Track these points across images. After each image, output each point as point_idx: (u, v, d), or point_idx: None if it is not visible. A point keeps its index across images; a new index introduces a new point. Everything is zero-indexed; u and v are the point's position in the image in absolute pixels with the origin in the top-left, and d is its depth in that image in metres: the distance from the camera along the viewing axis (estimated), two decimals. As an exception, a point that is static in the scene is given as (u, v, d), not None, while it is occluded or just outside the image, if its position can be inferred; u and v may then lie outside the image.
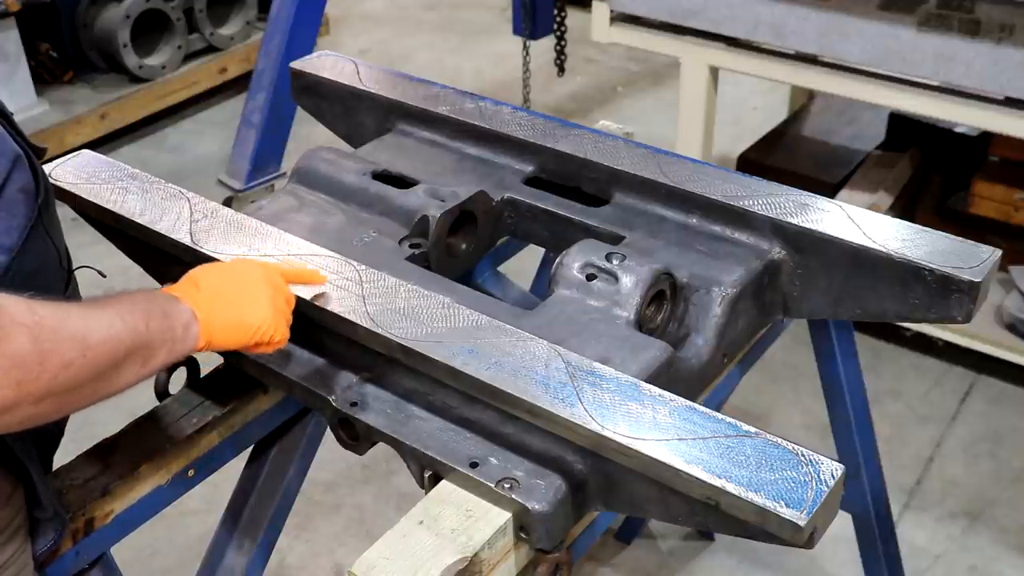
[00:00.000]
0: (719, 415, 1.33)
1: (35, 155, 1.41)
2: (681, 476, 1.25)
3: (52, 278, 1.45)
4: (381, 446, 1.54)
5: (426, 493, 1.44)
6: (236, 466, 1.86)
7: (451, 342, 1.46)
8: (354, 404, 1.53)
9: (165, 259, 1.77)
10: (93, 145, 4.39)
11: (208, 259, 1.64)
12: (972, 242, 1.67)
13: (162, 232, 1.71)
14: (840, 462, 1.26)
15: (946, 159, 3.64)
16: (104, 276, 1.72)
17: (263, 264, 1.51)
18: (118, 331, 1.20)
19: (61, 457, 1.63)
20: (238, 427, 1.72)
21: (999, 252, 1.66)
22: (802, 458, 1.26)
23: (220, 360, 1.74)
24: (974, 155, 3.47)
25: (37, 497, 1.39)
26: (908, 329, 3.47)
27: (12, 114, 1.43)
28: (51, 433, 1.52)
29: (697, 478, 1.24)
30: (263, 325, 1.40)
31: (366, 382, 1.57)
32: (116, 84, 4.98)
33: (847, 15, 2.89)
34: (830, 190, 3.49)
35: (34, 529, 1.41)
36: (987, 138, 3.35)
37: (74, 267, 1.56)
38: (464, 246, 1.88)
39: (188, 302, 1.34)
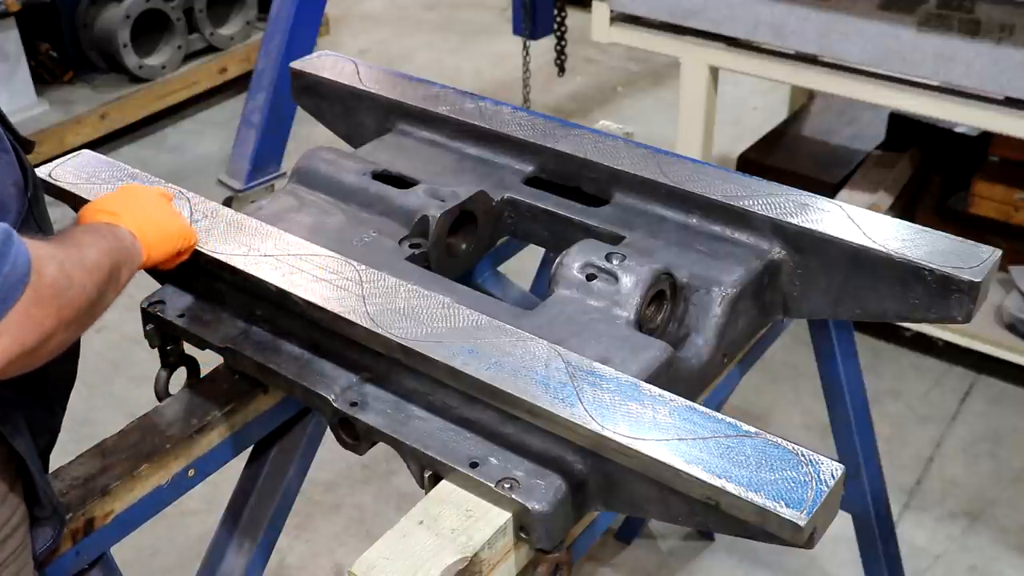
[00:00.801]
0: (719, 415, 1.33)
1: (23, 149, 1.42)
2: (681, 476, 1.25)
3: None
4: (381, 446, 1.54)
5: (426, 493, 1.44)
6: (236, 466, 1.86)
7: (451, 342, 1.46)
8: (354, 404, 1.53)
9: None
10: (93, 145, 4.39)
11: (209, 259, 1.64)
12: (972, 242, 1.67)
13: (162, 232, 1.70)
14: (840, 462, 1.26)
15: (946, 159, 3.64)
16: None
17: (148, 186, 1.70)
18: (98, 256, 1.30)
19: (61, 457, 1.63)
20: (238, 427, 1.72)
21: (999, 252, 1.66)
22: (802, 458, 1.26)
23: (220, 360, 1.74)
24: (974, 155, 3.47)
25: (36, 495, 1.39)
26: (908, 329, 3.47)
27: None
28: (49, 430, 1.52)
29: (697, 478, 1.24)
30: (183, 230, 1.57)
31: (366, 382, 1.57)
32: (116, 84, 4.98)
33: (847, 15, 2.89)
34: (830, 190, 3.49)
35: (33, 527, 1.41)
36: (987, 138, 3.35)
37: None
38: (464, 246, 1.88)
39: (122, 225, 1.45)
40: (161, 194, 1.62)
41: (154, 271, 1.83)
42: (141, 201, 1.54)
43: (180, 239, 1.56)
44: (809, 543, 1.21)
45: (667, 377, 1.50)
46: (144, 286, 1.84)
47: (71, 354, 1.51)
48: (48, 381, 1.41)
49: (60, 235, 1.33)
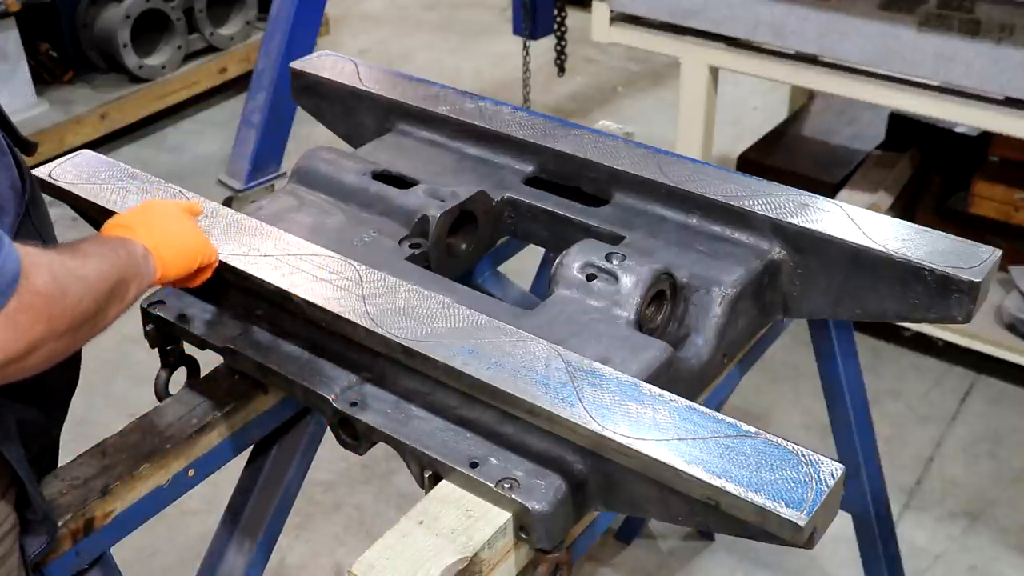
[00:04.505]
0: (719, 415, 1.33)
1: (23, 150, 1.42)
2: (681, 476, 1.25)
3: None
4: (381, 446, 1.54)
5: (426, 493, 1.44)
6: (236, 466, 1.86)
7: (451, 342, 1.46)
8: (354, 404, 1.53)
9: (165, 259, 1.77)
10: (93, 145, 4.39)
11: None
12: (972, 242, 1.67)
13: (162, 232, 1.70)
14: (840, 462, 1.26)
15: (946, 159, 3.64)
16: None
17: (172, 200, 1.65)
18: (104, 268, 1.28)
19: (61, 457, 1.64)
20: (238, 427, 1.72)
21: (999, 252, 1.66)
22: (802, 458, 1.26)
23: (220, 360, 1.74)
24: (974, 155, 3.47)
25: (28, 499, 1.39)
26: (908, 329, 3.47)
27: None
28: (45, 436, 1.52)
29: (697, 478, 1.24)
30: (202, 247, 1.53)
31: (366, 382, 1.57)
32: (116, 84, 4.98)
33: (847, 15, 2.89)
34: (830, 190, 3.49)
35: (26, 531, 1.41)
36: (987, 138, 3.35)
37: None
38: (464, 246, 1.88)
39: (138, 239, 1.42)
40: (185, 209, 1.58)
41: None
42: (160, 216, 1.50)
43: (198, 256, 1.52)
44: (809, 543, 1.21)
45: (667, 377, 1.50)
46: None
47: (72, 361, 1.51)
48: (44, 387, 1.40)
49: (66, 245, 1.31)
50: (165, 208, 1.53)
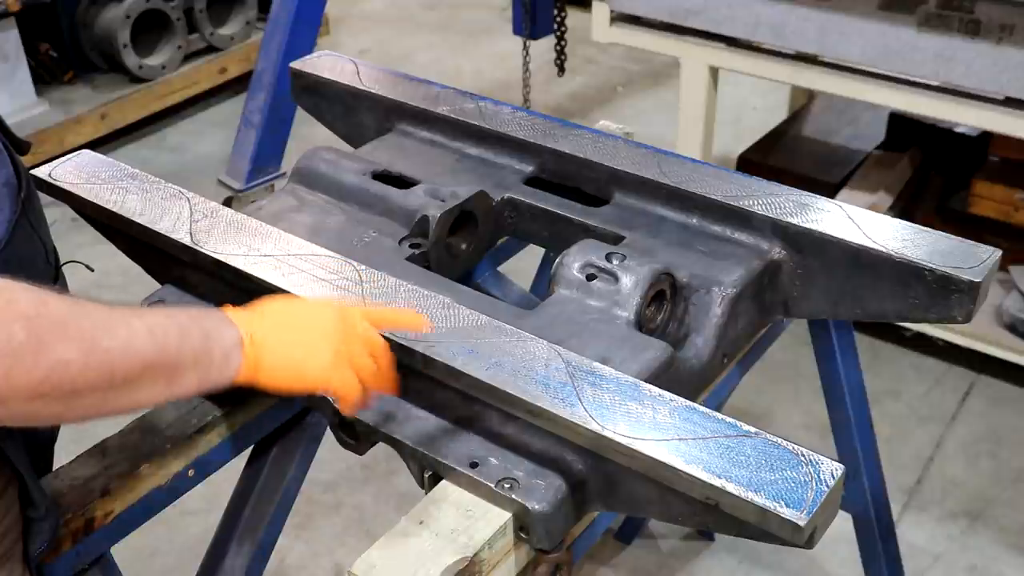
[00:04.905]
0: (719, 415, 1.33)
1: (17, 150, 1.41)
2: (681, 476, 1.25)
3: (39, 273, 1.45)
4: (381, 446, 1.54)
5: (426, 493, 1.44)
6: (236, 466, 1.86)
7: (451, 342, 1.46)
8: (354, 404, 1.53)
9: (165, 259, 1.77)
10: (93, 145, 4.39)
11: (208, 259, 1.64)
12: (972, 242, 1.67)
13: (162, 232, 1.70)
14: (840, 462, 1.26)
15: (946, 159, 3.64)
16: (92, 270, 1.72)
17: (345, 308, 1.36)
18: (141, 342, 1.11)
19: (61, 457, 1.63)
20: (238, 427, 1.72)
21: (999, 252, 1.66)
22: (802, 458, 1.26)
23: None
24: (974, 155, 3.47)
25: (30, 496, 1.39)
26: (908, 329, 3.47)
27: None
28: (44, 433, 1.51)
29: (697, 478, 1.24)
30: (321, 374, 1.29)
31: (366, 382, 1.57)
32: (116, 84, 4.98)
33: (847, 15, 2.89)
34: (830, 190, 3.49)
35: (28, 529, 1.41)
36: (987, 138, 3.35)
37: (62, 262, 1.56)
38: (464, 246, 1.88)
39: (242, 327, 1.23)
40: (362, 319, 1.34)
41: (154, 272, 1.83)
42: (305, 318, 1.30)
43: (312, 381, 1.30)
44: (809, 543, 1.21)
45: (667, 377, 1.50)
46: (145, 285, 1.84)
47: None
48: None
49: (132, 307, 1.17)
50: (317, 312, 1.31)
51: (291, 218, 1.85)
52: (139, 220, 1.73)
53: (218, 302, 1.74)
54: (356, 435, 1.54)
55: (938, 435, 3.25)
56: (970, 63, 2.75)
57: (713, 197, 1.78)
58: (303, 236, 1.71)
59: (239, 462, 1.86)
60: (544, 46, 4.72)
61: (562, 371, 1.40)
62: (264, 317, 1.28)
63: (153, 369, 1.13)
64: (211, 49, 5.25)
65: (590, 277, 1.63)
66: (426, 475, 1.46)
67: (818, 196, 1.78)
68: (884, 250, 1.64)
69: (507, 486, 1.37)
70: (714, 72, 3.28)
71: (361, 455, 1.57)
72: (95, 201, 1.78)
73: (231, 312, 1.27)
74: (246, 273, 1.61)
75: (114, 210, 1.76)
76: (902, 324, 3.33)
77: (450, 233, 1.84)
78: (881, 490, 2.26)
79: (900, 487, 3.03)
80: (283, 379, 1.28)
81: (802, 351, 2.36)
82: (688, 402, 1.35)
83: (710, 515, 1.27)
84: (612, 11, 3.32)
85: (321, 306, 1.36)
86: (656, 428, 1.30)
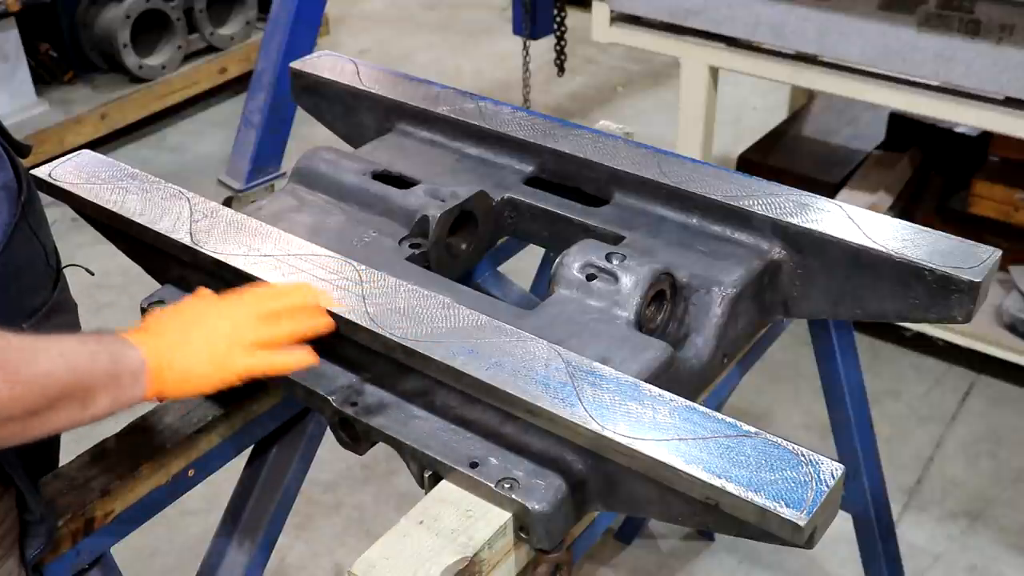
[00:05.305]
0: (719, 415, 1.33)
1: (17, 153, 1.41)
2: (681, 476, 1.25)
3: (39, 276, 1.45)
4: (381, 446, 1.54)
5: (426, 493, 1.44)
6: (236, 466, 1.86)
7: (451, 342, 1.45)
8: (354, 404, 1.53)
9: (165, 259, 1.77)
10: (93, 145, 4.39)
11: (208, 259, 1.64)
12: (972, 242, 1.67)
13: (162, 232, 1.70)
14: (840, 462, 1.26)
15: (946, 159, 3.64)
16: (92, 274, 1.72)
17: (232, 298, 1.41)
18: (56, 368, 1.15)
19: (61, 457, 1.64)
20: (238, 427, 1.72)
21: (999, 252, 1.66)
22: (802, 458, 1.26)
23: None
24: (974, 155, 3.47)
25: (25, 500, 1.39)
26: (908, 329, 3.47)
27: None
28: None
29: (697, 478, 1.24)
30: (222, 373, 1.34)
31: (366, 382, 1.57)
32: (116, 84, 4.98)
33: (847, 15, 2.89)
34: (830, 190, 3.49)
35: (25, 532, 1.41)
36: (987, 138, 3.35)
37: (63, 265, 1.56)
38: (464, 246, 1.88)
39: (142, 349, 1.27)
40: (259, 314, 1.38)
41: (154, 272, 1.83)
42: (199, 326, 1.34)
43: (218, 383, 1.35)
44: (809, 543, 1.21)
45: (667, 377, 1.50)
46: (145, 285, 1.84)
47: None
48: None
49: (40, 336, 1.20)
50: (208, 312, 1.37)
51: (291, 218, 1.85)
52: (139, 220, 1.73)
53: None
54: (356, 435, 1.54)
55: (938, 435, 3.25)
56: (970, 63, 2.75)
57: (713, 197, 1.78)
58: (303, 236, 1.71)
59: (239, 462, 1.86)
60: (544, 46, 4.72)
61: (562, 371, 1.40)
62: (160, 336, 1.31)
63: (68, 393, 1.17)
64: (211, 49, 5.25)
65: (590, 277, 1.63)
66: (426, 475, 1.46)
67: (818, 196, 1.78)
68: (884, 250, 1.63)
69: (507, 486, 1.37)
70: (714, 72, 3.28)
71: (361, 455, 1.57)
72: (95, 201, 1.78)
73: (130, 335, 1.30)
74: (246, 273, 1.61)
75: (114, 210, 1.76)
76: (902, 324, 3.34)
77: (450, 233, 1.84)
78: (881, 490, 2.26)
79: (900, 487, 3.03)
80: (191, 388, 1.33)
81: (802, 351, 2.37)
82: (688, 402, 1.35)
83: (710, 515, 1.27)
84: (612, 11, 3.32)
85: (207, 306, 1.39)
86: (656, 428, 1.30)
